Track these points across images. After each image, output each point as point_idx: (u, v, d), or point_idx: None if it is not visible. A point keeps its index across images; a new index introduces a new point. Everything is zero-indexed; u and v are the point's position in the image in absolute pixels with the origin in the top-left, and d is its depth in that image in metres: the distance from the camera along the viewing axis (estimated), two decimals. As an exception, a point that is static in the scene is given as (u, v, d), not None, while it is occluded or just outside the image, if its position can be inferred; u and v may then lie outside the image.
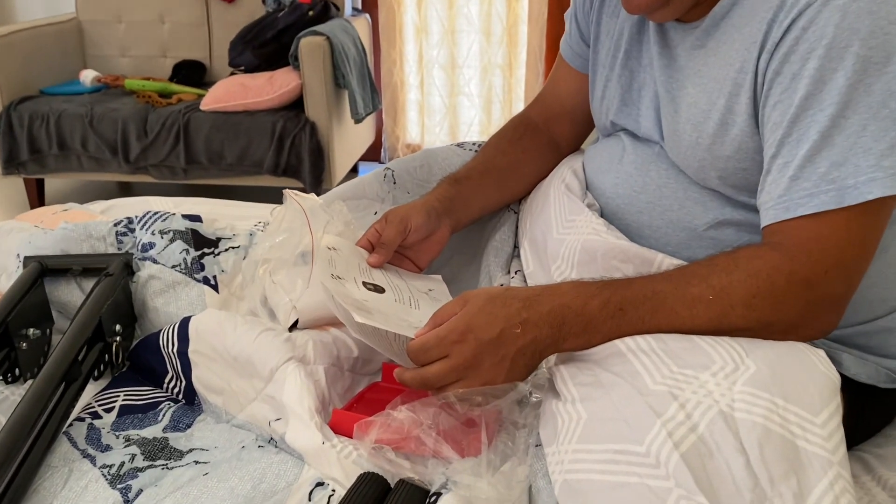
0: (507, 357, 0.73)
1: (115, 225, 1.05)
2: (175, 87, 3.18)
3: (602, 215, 0.98)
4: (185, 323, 0.88)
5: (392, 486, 0.71)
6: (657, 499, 0.59)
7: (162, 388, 0.89)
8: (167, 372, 0.88)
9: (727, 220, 0.86)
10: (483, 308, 0.75)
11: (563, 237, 0.96)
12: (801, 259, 0.73)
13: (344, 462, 0.74)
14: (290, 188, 1.02)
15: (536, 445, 0.75)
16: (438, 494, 0.68)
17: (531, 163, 1.14)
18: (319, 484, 0.73)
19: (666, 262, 0.86)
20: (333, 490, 0.72)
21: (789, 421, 0.62)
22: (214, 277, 1.00)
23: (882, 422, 0.96)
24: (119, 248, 1.03)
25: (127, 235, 1.04)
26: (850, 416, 0.76)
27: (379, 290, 0.90)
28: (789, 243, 0.74)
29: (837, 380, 0.68)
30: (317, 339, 0.87)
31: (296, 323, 0.92)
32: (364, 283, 0.89)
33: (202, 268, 1.00)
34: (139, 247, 1.01)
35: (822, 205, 0.72)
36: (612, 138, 1.02)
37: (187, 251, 1.00)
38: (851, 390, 0.84)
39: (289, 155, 2.85)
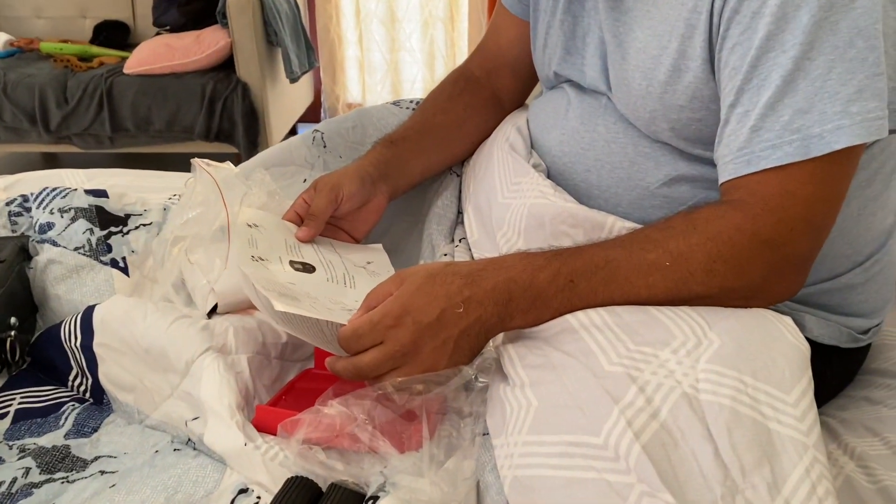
0: (449, 340, 0.66)
1: (8, 204, 0.94)
2: (96, 49, 2.99)
3: (548, 176, 0.90)
4: (88, 313, 0.79)
5: (324, 490, 0.63)
6: (617, 496, 0.53)
7: (67, 387, 0.80)
8: (71, 368, 0.79)
9: (681, 176, 0.79)
10: (421, 287, 0.67)
11: (509, 202, 0.89)
12: (764, 218, 0.67)
13: (270, 465, 0.66)
14: (199, 157, 0.91)
15: (484, 434, 0.68)
16: (376, 498, 0.61)
17: (473, 120, 1.06)
18: (242, 490, 0.65)
19: (618, 224, 0.79)
20: (259, 497, 0.65)
21: (759, 401, 0.56)
22: (124, 259, 0.90)
23: (843, 382, 0.92)
24: (13, 230, 0.92)
25: (22, 215, 0.93)
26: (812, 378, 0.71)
27: (309, 269, 0.81)
28: (751, 200, 0.68)
29: (807, 349, 0.63)
30: (238, 325, 0.79)
31: (215, 307, 0.83)
32: (291, 263, 0.81)
33: (109, 249, 0.90)
34: (36, 228, 0.90)
35: (787, 157, 0.66)
36: (556, 91, 0.95)
37: (91, 231, 0.90)
38: (813, 352, 0.79)
39: (221, 119, 2.71)
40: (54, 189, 0.94)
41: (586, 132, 0.85)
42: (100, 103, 2.73)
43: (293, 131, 3.33)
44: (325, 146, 1.10)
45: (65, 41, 3.03)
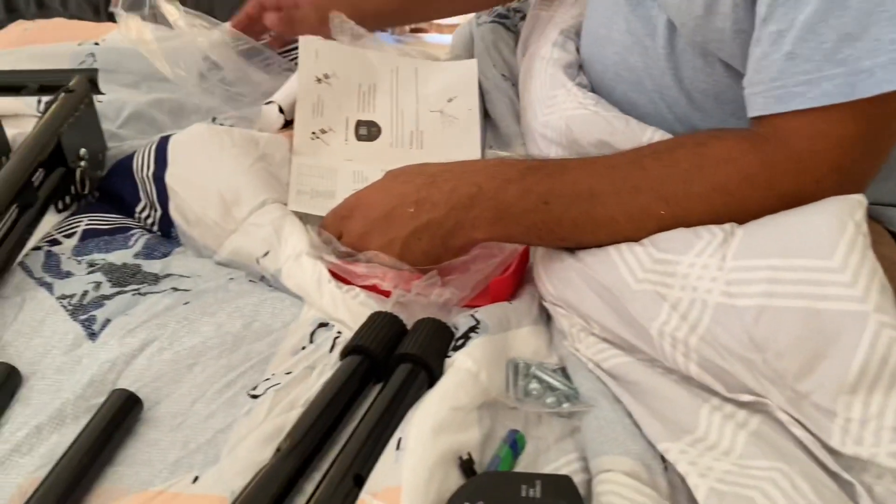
0: (396, 240, 0.63)
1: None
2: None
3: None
4: (163, 142, 0.75)
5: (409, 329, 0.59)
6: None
7: (133, 219, 0.76)
8: (139, 200, 0.75)
9: None
10: (382, 183, 0.66)
11: (547, 119, 0.78)
12: (786, 167, 0.55)
13: (350, 303, 0.62)
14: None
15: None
16: (467, 337, 0.57)
17: None
18: (323, 325, 0.62)
19: (656, 137, 0.68)
20: (339, 332, 0.61)
21: (798, 281, 0.48)
22: None
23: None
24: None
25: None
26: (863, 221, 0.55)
27: (374, 133, 0.79)
28: (775, 142, 0.56)
29: (861, 198, 0.51)
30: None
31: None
32: (358, 125, 0.78)
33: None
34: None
35: (825, 96, 0.52)
36: None
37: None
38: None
39: None
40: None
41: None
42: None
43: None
44: None
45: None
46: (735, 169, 0.56)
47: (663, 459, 0.48)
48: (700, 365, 0.50)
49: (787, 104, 0.54)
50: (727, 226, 0.54)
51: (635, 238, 0.57)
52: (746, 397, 0.48)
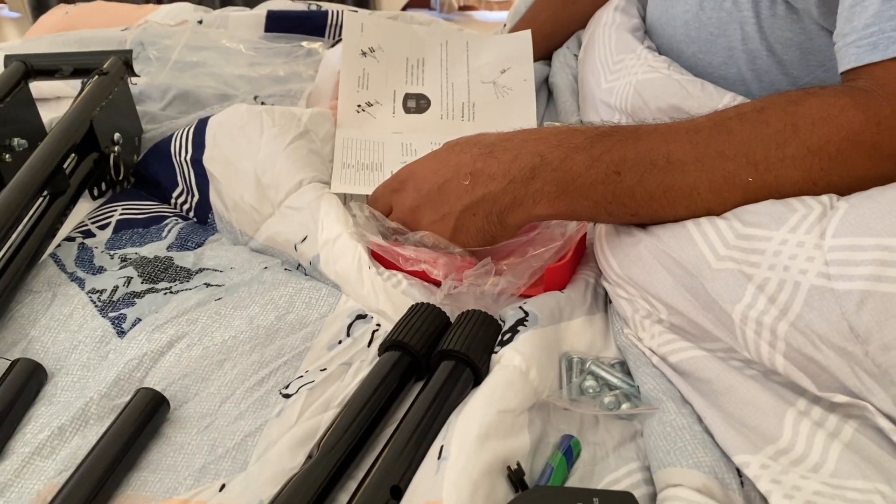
0: (449, 216, 0.57)
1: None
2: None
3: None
4: (202, 125, 0.72)
5: (451, 321, 0.55)
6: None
7: (169, 205, 0.73)
8: (176, 185, 0.72)
9: None
10: (438, 154, 0.60)
11: (612, 85, 0.75)
12: (894, 122, 0.48)
13: (392, 292, 0.58)
14: None
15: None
16: (515, 331, 0.52)
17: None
18: (361, 317, 0.57)
19: (736, 102, 0.63)
20: (378, 325, 0.57)
21: None
22: None
23: None
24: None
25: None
26: None
27: (423, 106, 0.74)
28: (880, 92, 0.49)
29: None
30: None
31: None
32: (406, 98, 0.73)
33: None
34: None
35: None
36: None
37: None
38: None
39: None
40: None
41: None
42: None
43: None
44: None
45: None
46: (834, 128, 0.48)
47: (740, 473, 0.42)
48: (788, 356, 0.44)
49: (885, 51, 0.49)
50: (825, 198, 0.47)
51: (718, 210, 0.51)
52: (841, 398, 0.42)
